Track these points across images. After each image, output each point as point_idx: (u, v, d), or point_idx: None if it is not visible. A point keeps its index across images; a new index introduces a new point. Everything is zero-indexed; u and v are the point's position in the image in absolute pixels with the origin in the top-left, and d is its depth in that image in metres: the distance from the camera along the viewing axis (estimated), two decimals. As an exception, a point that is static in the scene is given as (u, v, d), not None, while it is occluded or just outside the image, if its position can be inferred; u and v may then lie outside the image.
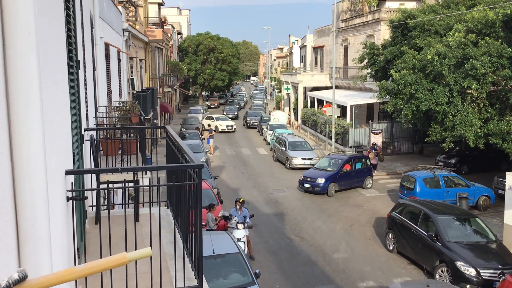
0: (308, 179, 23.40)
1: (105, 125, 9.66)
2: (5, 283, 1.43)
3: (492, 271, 12.79)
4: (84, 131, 6.57)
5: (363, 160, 24.74)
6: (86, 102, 7.47)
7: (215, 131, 37.95)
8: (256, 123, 47.17)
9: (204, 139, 34.76)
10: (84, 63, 7.10)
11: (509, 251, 13.94)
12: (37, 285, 1.49)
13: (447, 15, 23.65)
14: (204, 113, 50.87)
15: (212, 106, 67.32)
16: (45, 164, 2.46)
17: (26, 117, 2.26)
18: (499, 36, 19.08)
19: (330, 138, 30.83)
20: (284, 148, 30.08)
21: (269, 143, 36.84)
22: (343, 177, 23.42)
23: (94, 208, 6.44)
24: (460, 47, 19.50)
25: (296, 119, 46.37)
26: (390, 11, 33.20)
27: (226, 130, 44.44)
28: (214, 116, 47.32)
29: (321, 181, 22.85)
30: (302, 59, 57.44)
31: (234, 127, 45.76)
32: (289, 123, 46.74)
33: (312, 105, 43.23)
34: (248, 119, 49.24)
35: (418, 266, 14.93)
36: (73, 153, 4.81)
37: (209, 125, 38.55)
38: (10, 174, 2.26)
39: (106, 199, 8.21)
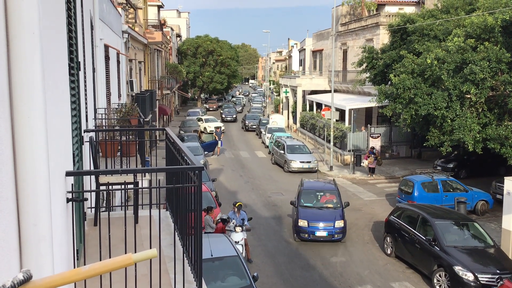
0: (321, 224, 17.08)
1: (104, 127, 9.64)
2: (10, 283, 1.42)
3: (490, 276, 12.79)
4: (84, 132, 6.55)
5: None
6: (86, 103, 7.46)
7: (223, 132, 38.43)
8: (254, 126, 47.13)
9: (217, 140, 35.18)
10: (84, 64, 7.09)
11: (507, 256, 13.94)
12: (42, 285, 1.48)
13: (446, 20, 23.68)
14: (202, 116, 51.04)
15: (210, 109, 67.32)
16: (48, 164, 2.45)
17: (29, 117, 2.25)
18: (498, 41, 19.12)
19: (329, 141, 30.82)
20: (282, 151, 30.06)
21: (267, 146, 36.83)
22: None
23: (93, 210, 6.42)
24: (459, 52, 19.54)
25: (295, 122, 46.38)
26: (389, 16, 33.26)
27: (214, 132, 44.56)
28: (203, 117, 47.43)
29: (341, 223, 17.13)
30: (301, 62, 57.49)
31: (223, 128, 45.72)
32: (288, 126, 46.70)
33: (311, 109, 43.26)
34: (246, 122, 49.20)
35: (416, 270, 14.92)
36: (73, 154, 4.80)
37: (216, 128, 39.02)
38: (13, 174, 2.24)
39: (105, 201, 8.19)
